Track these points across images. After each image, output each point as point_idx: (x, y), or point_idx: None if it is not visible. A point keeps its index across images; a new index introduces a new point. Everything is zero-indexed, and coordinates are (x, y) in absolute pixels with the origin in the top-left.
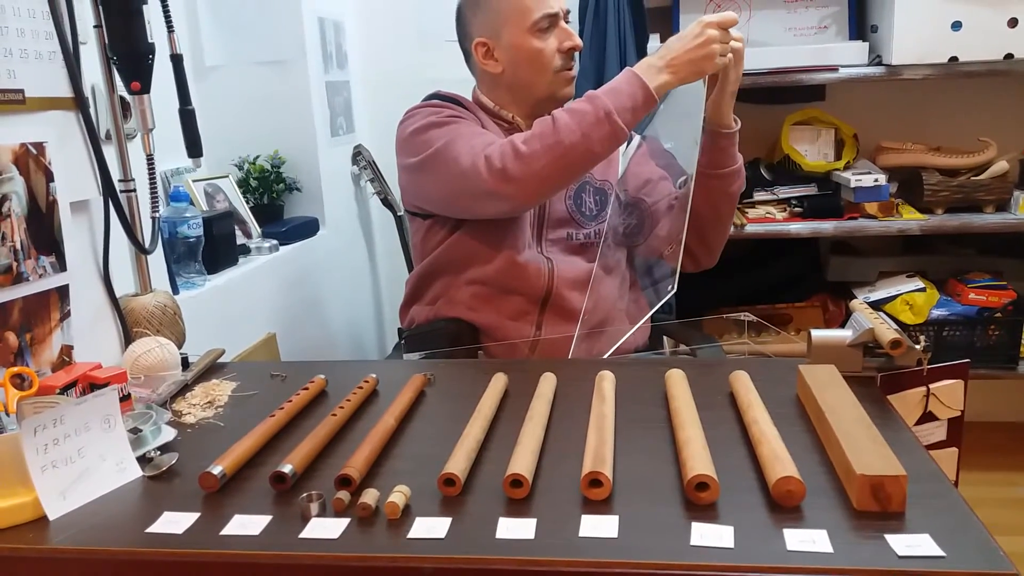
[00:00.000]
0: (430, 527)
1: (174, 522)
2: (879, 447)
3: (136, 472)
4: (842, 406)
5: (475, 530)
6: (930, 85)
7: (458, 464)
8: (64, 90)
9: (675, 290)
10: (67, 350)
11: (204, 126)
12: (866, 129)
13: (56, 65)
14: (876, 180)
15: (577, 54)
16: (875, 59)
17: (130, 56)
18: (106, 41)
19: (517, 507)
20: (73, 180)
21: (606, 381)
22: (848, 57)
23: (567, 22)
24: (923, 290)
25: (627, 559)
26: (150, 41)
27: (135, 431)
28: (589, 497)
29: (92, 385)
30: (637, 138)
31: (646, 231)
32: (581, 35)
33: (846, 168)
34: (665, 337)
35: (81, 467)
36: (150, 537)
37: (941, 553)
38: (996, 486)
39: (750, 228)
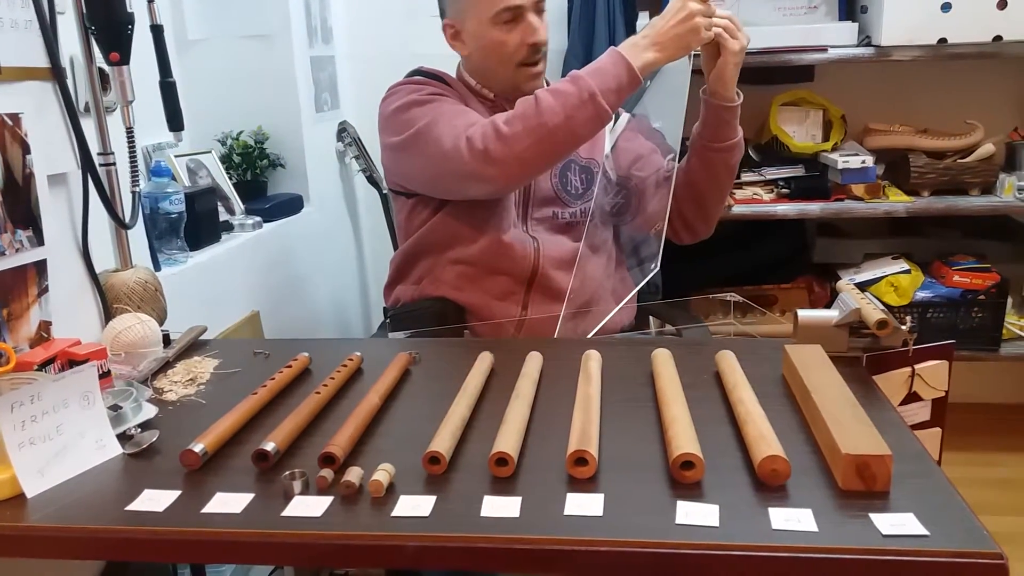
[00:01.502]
0: (414, 505)
1: (154, 500)
2: (864, 427)
3: (116, 449)
4: (828, 386)
5: (460, 508)
6: (919, 66)
7: (443, 442)
8: (41, 60)
9: (657, 269)
10: (45, 326)
11: (187, 101)
12: (854, 110)
13: (32, 34)
14: (863, 162)
15: (564, 47)
16: (864, 40)
17: (109, 26)
18: (84, 10)
19: (502, 485)
20: (50, 153)
21: (592, 360)
22: (837, 38)
23: (540, 11)
24: (908, 272)
25: (612, 537)
26: (129, 11)
27: (115, 408)
28: (574, 476)
29: (71, 361)
30: (625, 116)
31: (635, 208)
32: (569, 12)
33: (833, 149)
34: (651, 317)
35: (59, 444)
36: (130, 515)
37: (925, 532)
38: (977, 466)
39: (737, 209)
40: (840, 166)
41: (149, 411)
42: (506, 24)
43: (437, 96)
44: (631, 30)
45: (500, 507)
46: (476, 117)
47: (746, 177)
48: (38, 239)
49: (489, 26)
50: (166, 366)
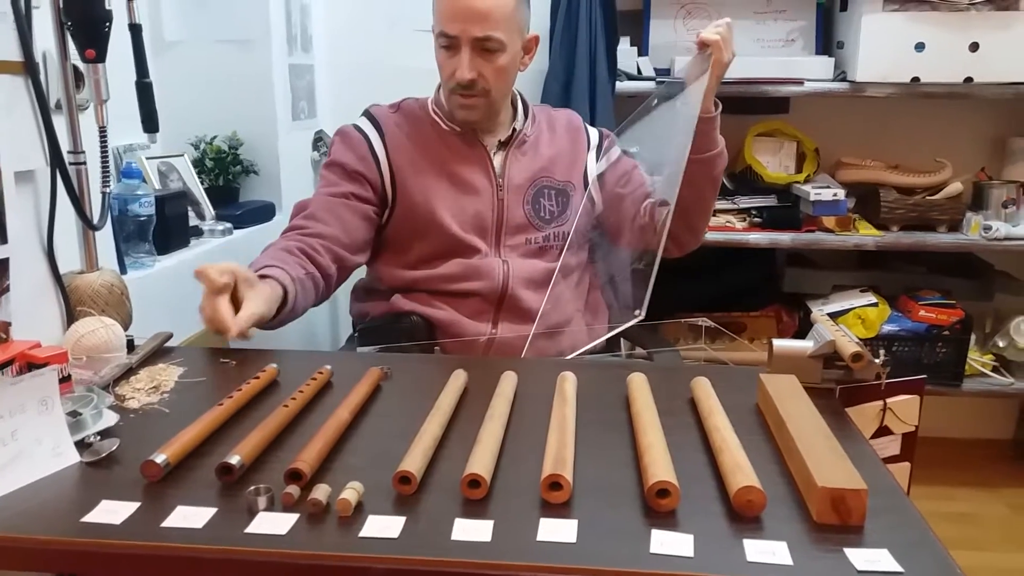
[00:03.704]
0: (383, 526)
1: (112, 512)
2: (840, 460)
3: (74, 457)
4: (803, 417)
5: (430, 531)
6: (892, 103)
7: (414, 462)
8: (13, 54)
9: (643, 316)
10: (4, 327)
11: (161, 103)
12: (827, 144)
13: (6, 27)
14: (835, 195)
15: (545, 67)
16: (840, 75)
17: (85, 22)
18: (60, 5)
19: (474, 508)
20: (19, 149)
21: (567, 382)
22: (814, 71)
23: (485, 51)
24: (875, 305)
25: (586, 565)
26: (107, 8)
27: (74, 414)
28: (548, 500)
29: (30, 364)
30: (617, 149)
31: (615, 229)
32: (551, 34)
33: (806, 181)
34: (622, 339)
35: (14, 450)
36: (86, 527)
37: (900, 569)
38: (936, 500)
39: (709, 236)
40: (812, 198)
41: (110, 418)
42: (444, 49)
43: (334, 166)
44: (612, 54)
45: (471, 531)
46: (310, 205)
47: (719, 205)
48: (1, 237)
49: (436, 43)
50: (129, 372)
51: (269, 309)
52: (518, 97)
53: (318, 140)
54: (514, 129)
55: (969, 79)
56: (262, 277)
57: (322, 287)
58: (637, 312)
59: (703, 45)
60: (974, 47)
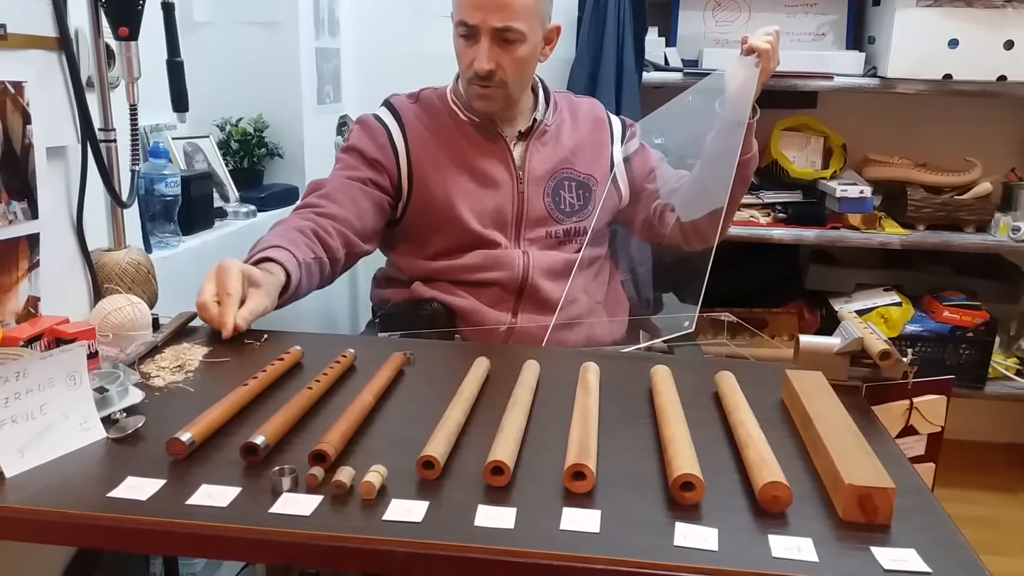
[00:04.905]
0: (406, 510)
1: (138, 488)
2: (867, 458)
3: (100, 433)
4: (830, 414)
5: (453, 516)
6: (922, 100)
7: (438, 447)
8: (48, 29)
9: (692, 328)
10: (33, 301)
11: (188, 83)
12: (855, 140)
13: (42, 3)
14: (861, 192)
15: (571, 56)
16: (870, 70)
17: (120, 0)
18: None
19: (497, 495)
20: (51, 124)
21: (591, 373)
22: (843, 66)
23: (503, 41)
24: (899, 304)
25: (609, 555)
26: None
27: (101, 390)
28: (571, 489)
29: (58, 340)
30: (636, 140)
31: (642, 221)
32: (579, 22)
33: (832, 177)
34: (642, 331)
35: (42, 424)
36: (111, 502)
37: (928, 569)
38: (955, 503)
39: (733, 230)
40: (838, 194)
41: (135, 396)
42: (463, 38)
43: (351, 151)
44: (640, 44)
45: (494, 517)
46: (326, 185)
47: (743, 199)
48: (32, 212)
49: (455, 32)
50: (154, 351)
51: (272, 301)
52: (539, 85)
53: (343, 125)
54: (535, 119)
55: (1003, 77)
56: (263, 260)
57: (328, 271)
58: (687, 324)
59: (751, 51)
60: (1009, 45)
